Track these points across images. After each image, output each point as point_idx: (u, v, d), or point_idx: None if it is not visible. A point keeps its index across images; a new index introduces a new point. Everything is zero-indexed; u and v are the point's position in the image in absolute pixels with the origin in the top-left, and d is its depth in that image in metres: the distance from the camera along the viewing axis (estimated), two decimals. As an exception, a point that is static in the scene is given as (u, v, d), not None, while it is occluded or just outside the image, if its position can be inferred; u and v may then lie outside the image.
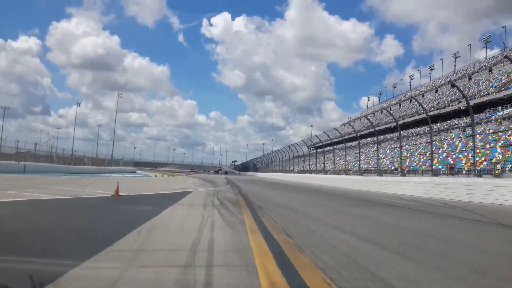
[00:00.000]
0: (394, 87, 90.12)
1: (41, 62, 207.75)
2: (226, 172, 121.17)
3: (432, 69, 77.32)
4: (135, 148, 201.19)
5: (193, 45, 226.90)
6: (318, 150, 58.25)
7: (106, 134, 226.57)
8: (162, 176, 49.55)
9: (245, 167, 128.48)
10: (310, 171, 54.83)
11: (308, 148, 64.56)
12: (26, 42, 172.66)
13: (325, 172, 49.35)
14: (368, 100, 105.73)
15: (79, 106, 67.82)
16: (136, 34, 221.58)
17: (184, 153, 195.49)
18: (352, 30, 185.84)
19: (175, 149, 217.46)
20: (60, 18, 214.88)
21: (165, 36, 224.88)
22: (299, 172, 60.78)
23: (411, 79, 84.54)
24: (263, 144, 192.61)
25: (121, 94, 65.35)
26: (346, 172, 43.21)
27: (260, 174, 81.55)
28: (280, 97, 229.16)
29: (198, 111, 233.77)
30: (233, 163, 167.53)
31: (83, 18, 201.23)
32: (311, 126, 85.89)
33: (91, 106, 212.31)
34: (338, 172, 45.27)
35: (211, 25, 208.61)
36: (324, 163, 52.69)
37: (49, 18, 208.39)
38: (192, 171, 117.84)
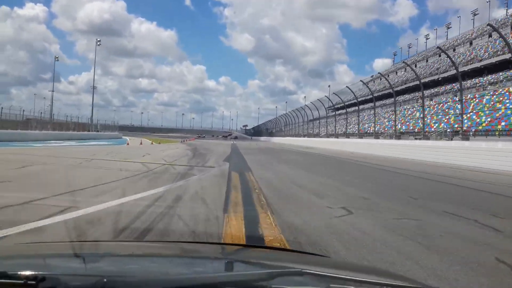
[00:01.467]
0: (409, 47, 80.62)
1: (48, 29, 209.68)
2: (236, 137, 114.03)
3: (448, 28, 67.81)
4: (142, 113, 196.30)
5: (201, 8, 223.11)
6: (337, 112, 49.99)
7: (117, 100, 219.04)
8: (151, 143, 39.49)
9: (257, 132, 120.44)
10: (336, 135, 46.63)
11: (326, 110, 56.08)
12: (33, 9, 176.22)
13: (360, 135, 41.23)
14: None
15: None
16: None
17: (193, 118, 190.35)
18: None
19: (183, 114, 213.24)
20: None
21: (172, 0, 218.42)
22: (327, 135, 52.35)
23: (427, 38, 74.89)
24: (276, 107, 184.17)
25: (99, 41, 54.36)
26: (397, 135, 33.83)
27: (275, 140, 73.48)
28: (291, 60, 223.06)
29: (207, 76, 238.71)
30: (244, 128, 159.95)
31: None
32: (329, 86, 74.74)
33: (100, 72, 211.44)
34: (377, 136, 37.10)
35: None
36: (346, 126, 44.59)
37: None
38: (199, 136, 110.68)
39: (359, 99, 41.25)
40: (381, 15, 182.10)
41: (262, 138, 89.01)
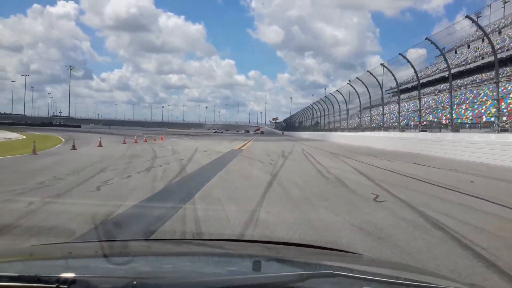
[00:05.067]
0: (448, 35, 51.88)
1: (77, 26, 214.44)
2: (262, 133, 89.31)
3: (478, 17, 45.61)
4: (163, 107, 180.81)
5: (228, 1, 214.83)
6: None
7: (148, 97, 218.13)
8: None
9: (290, 125, 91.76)
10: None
11: (382, 94, 30.33)
12: (64, 7, 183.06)
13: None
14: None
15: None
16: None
17: (219, 112, 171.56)
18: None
19: (206, 107, 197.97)
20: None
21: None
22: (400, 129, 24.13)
23: (461, 28, 46.50)
24: (312, 95, 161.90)
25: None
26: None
27: (336, 135, 45.02)
28: (321, 52, 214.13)
29: (236, 71, 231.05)
30: (273, 121, 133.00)
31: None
32: (382, 64, 36.67)
33: (131, 69, 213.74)
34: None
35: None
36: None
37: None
38: (215, 131, 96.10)
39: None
40: (415, 2, 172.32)
41: (304, 134, 60.44)
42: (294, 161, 12.28)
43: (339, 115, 43.07)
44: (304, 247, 1.71)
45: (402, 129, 28.12)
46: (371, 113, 32.89)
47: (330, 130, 42.94)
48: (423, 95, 56.93)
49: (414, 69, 23.87)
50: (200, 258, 1.44)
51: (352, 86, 34.36)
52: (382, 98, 32.43)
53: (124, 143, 21.55)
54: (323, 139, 36.04)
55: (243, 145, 22.51)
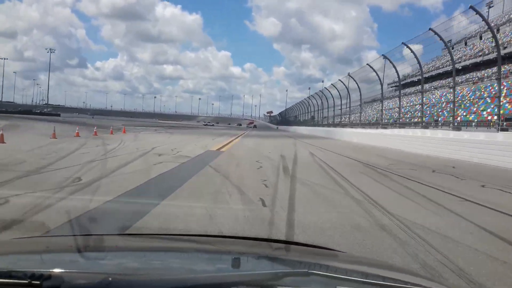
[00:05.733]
0: (445, 31, 47.30)
1: (72, 13, 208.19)
2: (255, 126, 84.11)
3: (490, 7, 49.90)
4: (155, 97, 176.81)
5: None
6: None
7: (143, 87, 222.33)
8: None
9: (285, 120, 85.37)
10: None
11: (381, 88, 25.32)
12: None
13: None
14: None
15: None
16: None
17: (212, 104, 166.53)
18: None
19: (200, 98, 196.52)
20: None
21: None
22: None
23: (459, 22, 42.47)
24: (309, 88, 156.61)
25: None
26: None
27: (347, 133, 38.93)
28: (318, 46, 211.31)
29: (232, 62, 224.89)
30: (268, 115, 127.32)
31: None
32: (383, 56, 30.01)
33: (126, 58, 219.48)
34: None
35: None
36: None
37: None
38: (206, 123, 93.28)
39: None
40: None
41: (301, 129, 54.28)
42: (309, 188, 6.14)
43: (340, 109, 37.21)
44: (290, 244, 1.73)
45: (426, 126, 22.18)
46: (382, 107, 26.76)
47: (335, 125, 36.88)
48: (435, 88, 51.40)
49: (450, 54, 17.91)
50: (177, 254, 1.37)
51: (352, 78, 29.13)
52: (400, 86, 26.47)
53: (78, 135, 16.97)
54: (328, 136, 29.80)
55: (227, 144, 16.39)
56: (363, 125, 26.94)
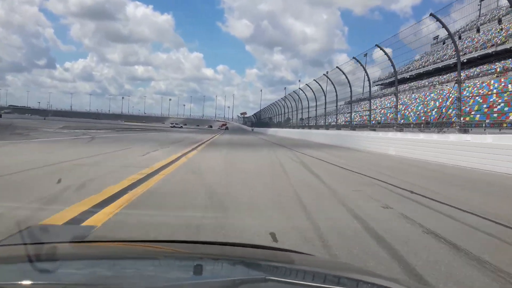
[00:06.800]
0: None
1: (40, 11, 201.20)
2: (226, 128, 76.34)
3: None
4: (122, 98, 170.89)
5: None
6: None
7: (113, 88, 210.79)
8: None
9: (260, 121, 76.39)
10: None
11: (370, 87, 21.15)
12: None
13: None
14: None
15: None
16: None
17: (184, 105, 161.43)
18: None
19: (170, 99, 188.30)
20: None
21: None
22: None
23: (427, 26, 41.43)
24: (285, 87, 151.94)
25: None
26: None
27: (374, 140, 30.34)
28: (290, 48, 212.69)
29: (205, 64, 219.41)
30: (241, 116, 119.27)
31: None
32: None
33: (96, 59, 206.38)
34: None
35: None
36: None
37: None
38: (174, 125, 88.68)
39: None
40: (384, 2, 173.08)
41: (283, 132, 45.60)
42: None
43: (324, 109, 29.94)
44: (258, 248, 1.60)
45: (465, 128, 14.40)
46: (397, 104, 18.69)
47: (327, 127, 28.71)
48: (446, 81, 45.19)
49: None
50: (137, 262, 1.27)
51: (345, 75, 23.07)
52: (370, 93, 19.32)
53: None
54: (339, 144, 21.09)
55: (170, 164, 7.67)
56: (397, 126, 18.57)
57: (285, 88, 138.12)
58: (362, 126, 26.66)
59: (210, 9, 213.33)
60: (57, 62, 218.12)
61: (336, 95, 26.70)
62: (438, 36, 48.41)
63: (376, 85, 72.22)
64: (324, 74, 27.41)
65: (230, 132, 57.43)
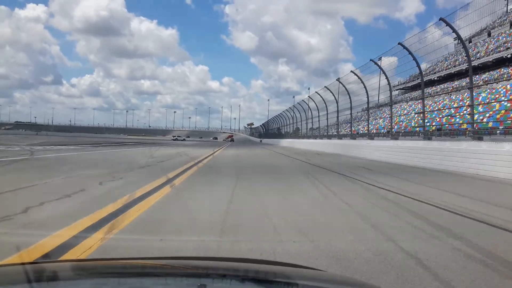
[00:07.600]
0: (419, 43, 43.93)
1: (45, 29, 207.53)
2: (232, 140, 71.35)
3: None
4: (127, 111, 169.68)
5: (201, 7, 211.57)
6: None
7: (120, 103, 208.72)
8: None
9: (269, 132, 70.00)
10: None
11: (390, 92, 19.21)
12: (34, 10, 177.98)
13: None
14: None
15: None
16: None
17: (189, 118, 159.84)
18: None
19: (175, 112, 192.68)
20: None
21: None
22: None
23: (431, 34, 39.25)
24: (293, 96, 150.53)
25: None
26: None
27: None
28: (295, 59, 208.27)
29: (210, 77, 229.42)
30: (248, 127, 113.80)
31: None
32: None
33: (102, 74, 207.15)
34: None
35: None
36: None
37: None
38: (176, 138, 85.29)
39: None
40: (389, 10, 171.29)
41: (300, 144, 39.13)
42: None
43: (337, 117, 27.65)
44: (266, 264, 1.57)
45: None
46: (473, 106, 14.75)
47: (363, 135, 22.34)
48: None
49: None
50: (142, 280, 1.22)
51: (360, 79, 21.47)
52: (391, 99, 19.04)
53: None
54: (413, 163, 14.31)
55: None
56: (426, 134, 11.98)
57: (293, 97, 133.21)
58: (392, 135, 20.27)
59: (214, 23, 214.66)
60: (63, 78, 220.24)
61: (350, 101, 23.77)
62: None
63: (397, 89, 66.13)
64: (337, 80, 24.94)
65: (236, 144, 50.70)
